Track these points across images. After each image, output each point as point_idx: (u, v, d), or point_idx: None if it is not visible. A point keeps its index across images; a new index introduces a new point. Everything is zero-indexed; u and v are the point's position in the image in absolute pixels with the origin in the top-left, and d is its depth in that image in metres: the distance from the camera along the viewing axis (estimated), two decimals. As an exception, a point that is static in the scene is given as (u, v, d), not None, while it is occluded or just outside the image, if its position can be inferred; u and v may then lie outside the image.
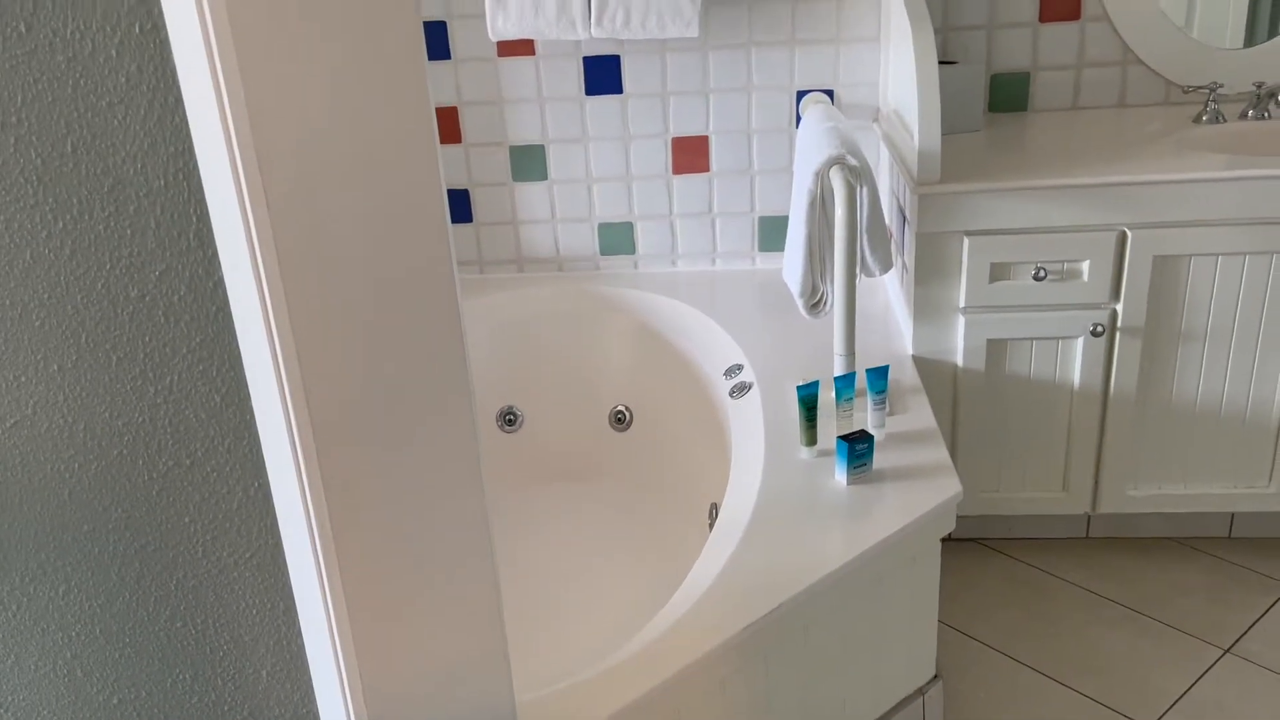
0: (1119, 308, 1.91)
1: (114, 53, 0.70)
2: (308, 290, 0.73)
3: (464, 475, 0.84)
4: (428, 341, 0.81)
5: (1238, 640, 1.90)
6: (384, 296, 0.77)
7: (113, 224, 0.75)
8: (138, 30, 0.70)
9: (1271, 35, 2.22)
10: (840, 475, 1.63)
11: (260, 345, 0.74)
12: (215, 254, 0.76)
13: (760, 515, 1.56)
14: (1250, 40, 2.23)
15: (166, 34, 0.70)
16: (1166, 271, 1.89)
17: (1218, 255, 1.86)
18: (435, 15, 2.30)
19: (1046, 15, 2.24)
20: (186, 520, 0.87)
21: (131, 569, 0.86)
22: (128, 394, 0.80)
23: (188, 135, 0.72)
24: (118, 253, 0.75)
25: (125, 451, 0.82)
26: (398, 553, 0.82)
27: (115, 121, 0.72)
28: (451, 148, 2.42)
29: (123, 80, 0.71)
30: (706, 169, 2.37)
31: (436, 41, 2.32)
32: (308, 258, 0.73)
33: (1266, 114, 2.12)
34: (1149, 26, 2.22)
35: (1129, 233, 1.86)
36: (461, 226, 2.49)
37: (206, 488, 0.85)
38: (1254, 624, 1.94)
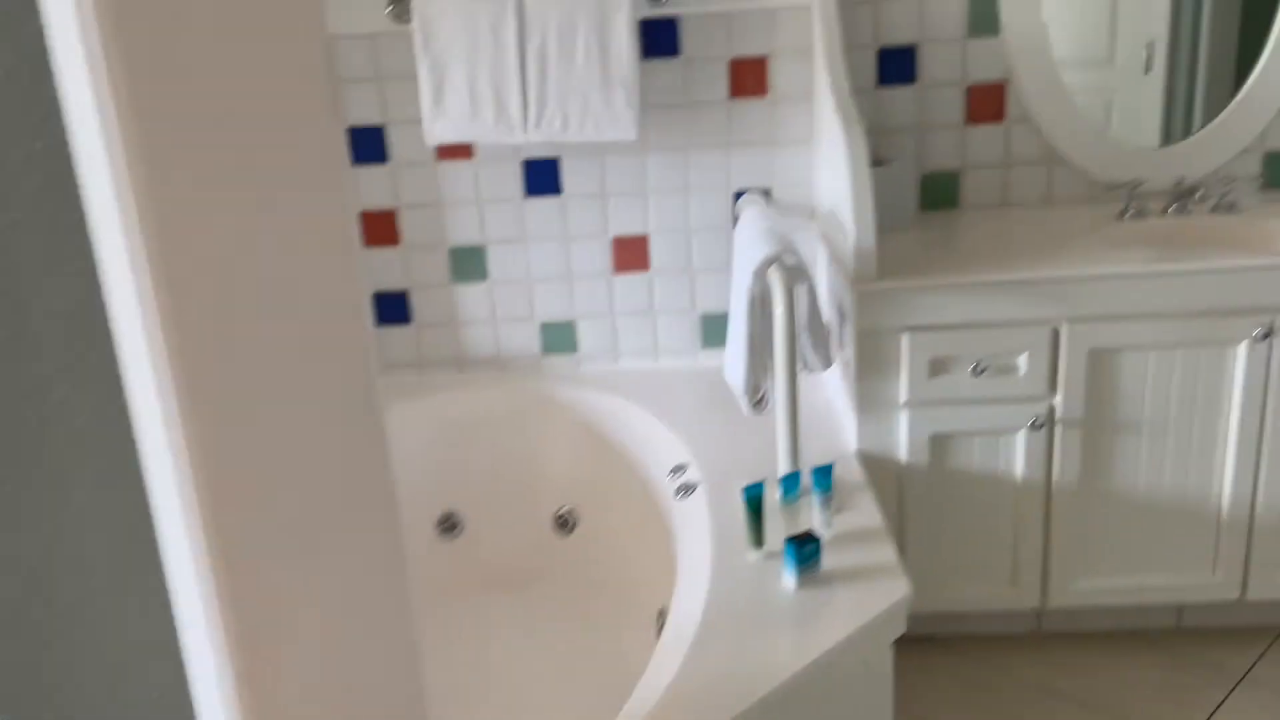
0: (1057, 401, 1.93)
1: (18, 169, 0.67)
2: (212, 403, 0.69)
3: (391, 605, 0.79)
4: (347, 460, 0.77)
5: (1193, 735, 1.87)
6: (297, 410, 0.74)
7: (12, 346, 0.71)
8: (39, 147, 0.67)
9: (1186, 135, 2.31)
10: (789, 578, 1.59)
11: (165, 467, 0.69)
12: (118, 370, 0.72)
13: (709, 622, 1.52)
14: (1166, 139, 2.32)
15: (70, 154, 0.67)
16: (1101, 365, 1.91)
17: (1150, 348, 1.90)
18: (373, 120, 2.30)
19: (973, 117, 2.31)
20: (87, 659, 0.80)
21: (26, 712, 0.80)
22: (21, 522, 0.74)
23: (88, 246, 0.69)
24: (18, 376, 0.71)
25: (21, 584, 0.76)
26: (315, 694, 0.77)
27: (17, 242, 0.68)
28: (389, 250, 2.40)
29: (28, 197, 0.68)
30: (647, 268, 2.38)
31: (374, 145, 2.32)
32: (212, 370, 0.69)
33: (1187, 210, 2.19)
34: (1070, 127, 2.30)
35: (1063, 327, 1.89)
36: (400, 328, 2.46)
37: (108, 623, 0.79)
38: (1209, 719, 1.92)
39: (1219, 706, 1.94)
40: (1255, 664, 2.04)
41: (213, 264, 0.69)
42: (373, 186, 2.35)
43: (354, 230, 0.77)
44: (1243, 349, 1.89)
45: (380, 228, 2.38)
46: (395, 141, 2.32)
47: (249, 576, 0.74)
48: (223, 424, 0.71)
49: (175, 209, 0.66)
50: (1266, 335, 1.86)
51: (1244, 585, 2.02)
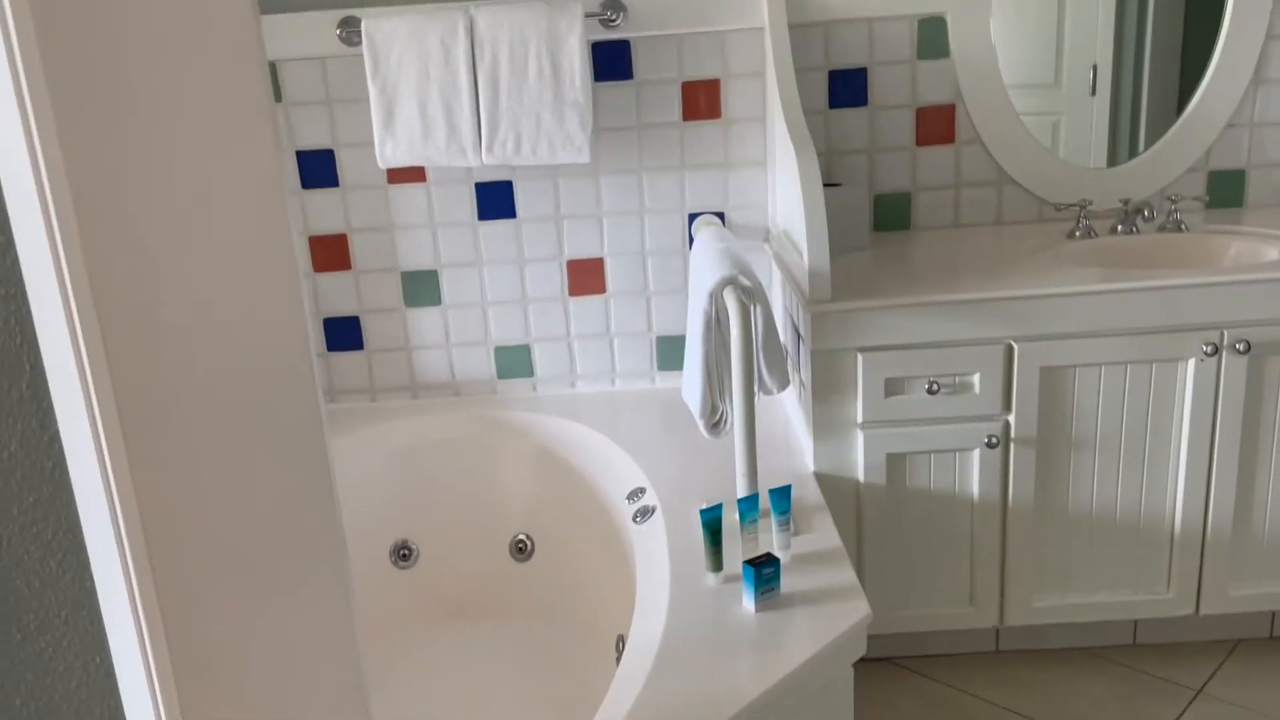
0: (1011, 419, 1.94)
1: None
2: (152, 444, 0.66)
3: (337, 644, 0.77)
4: (293, 493, 0.75)
5: (1152, 751, 1.88)
6: (240, 447, 0.71)
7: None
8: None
9: (1132, 156, 2.35)
10: (748, 602, 1.58)
11: (100, 505, 0.66)
12: (50, 407, 0.69)
13: (668, 648, 1.50)
14: (1113, 160, 2.35)
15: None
16: (1053, 382, 1.92)
17: (1101, 365, 1.91)
18: (323, 144, 2.27)
19: (923, 139, 2.33)
20: (18, 703, 0.77)
21: (-51, 765, 0.76)
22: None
23: (20, 280, 0.66)
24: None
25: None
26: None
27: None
28: (341, 274, 2.36)
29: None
30: (603, 290, 2.37)
31: (324, 169, 2.29)
32: (150, 408, 0.66)
33: (1134, 229, 2.23)
34: (1018, 149, 2.33)
35: (1015, 345, 1.90)
36: (352, 354, 2.42)
37: (40, 665, 0.76)
38: (1166, 733, 1.92)
39: (1176, 721, 1.95)
40: (1210, 679, 2.06)
41: (145, 292, 0.67)
42: (323, 210, 2.32)
43: (296, 251, 0.74)
44: (1191, 365, 1.91)
45: (331, 252, 2.35)
46: (346, 165, 2.29)
47: (190, 620, 0.71)
48: (158, 459, 0.68)
49: (105, 227, 0.64)
50: (1215, 351, 1.89)
51: (1197, 601, 2.04)
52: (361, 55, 2.21)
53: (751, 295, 1.73)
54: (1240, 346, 1.88)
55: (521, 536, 2.29)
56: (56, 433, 0.70)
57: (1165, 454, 1.96)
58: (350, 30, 2.15)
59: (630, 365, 2.42)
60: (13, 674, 0.76)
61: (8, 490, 0.71)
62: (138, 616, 0.68)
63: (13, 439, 0.70)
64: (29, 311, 0.67)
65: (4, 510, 0.72)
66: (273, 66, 2.23)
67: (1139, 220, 2.26)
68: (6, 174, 0.62)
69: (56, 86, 0.60)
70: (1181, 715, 1.97)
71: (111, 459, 0.64)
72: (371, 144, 2.27)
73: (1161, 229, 2.22)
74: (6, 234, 0.66)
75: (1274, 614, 2.16)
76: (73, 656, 0.75)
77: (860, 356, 1.90)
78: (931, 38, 2.27)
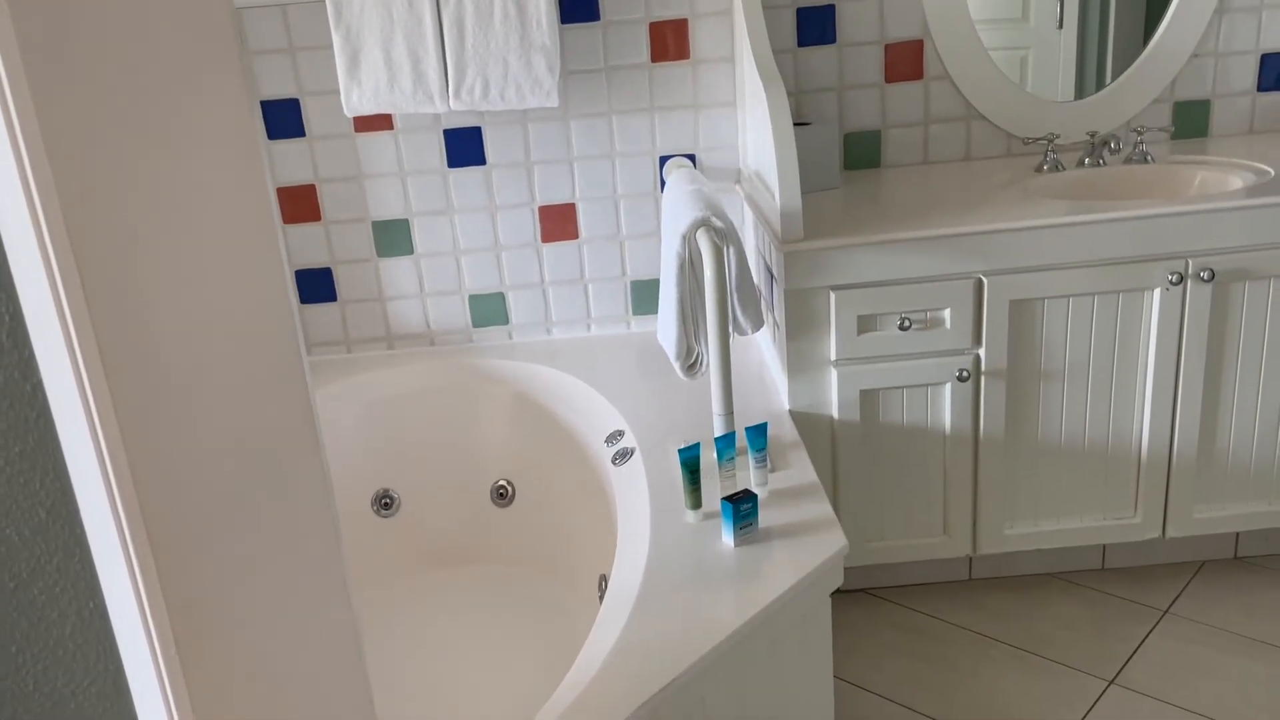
0: (981, 353, 1.97)
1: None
2: (135, 386, 0.67)
3: (327, 581, 0.78)
4: (278, 435, 0.75)
5: (1120, 670, 1.94)
6: (224, 389, 0.72)
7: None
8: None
9: (1099, 88, 2.36)
10: (727, 537, 1.61)
11: (86, 451, 0.67)
12: (32, 355, 0.69)
13: (650, 585, 1.53)
14: (1080, 93, 2.37)
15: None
16: (1022, 315, 1.95)
17: (1068, 297, 1.94)
18: (287, 93, 2.24)
19: (892, 76, 2.33)
20: (14, 650, 0.78)
21: (-52, 711, 0.77)
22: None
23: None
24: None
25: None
26: (253, 672, 0.75)
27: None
28: (311, 226, 2.35)
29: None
30: (575, 236, 2.36)
31: (290, 119, 2.26)
32: (133, 351, 0.67)
33: (1101, 161, 2.24)
34: (987, 84, 2.33)
35: (984, 279, 1.93)
36: (326, 306, 2.41)
37: (34, 613, 0.77)
38: (1133, 653, 1.99)
39: (1143, 641, 2.01)
40: (1176, 599, 2.13)
41: (125, 239, 0.67)
42: (290, 161, 2.30)
43: (273, 202, 0.75)
44: (1157, 294, 1.94)
45: (300, 203, 2.33)
46: (311, 114, 2.26)
47: (181, 562, 0.72)
48: (143, 405, 0.69)
49: (85, 185, 0.64)
50: (1180, 280, 1.92)
51: (1164, 524, 2.10)
52: (324, 2, 2.17)
53: (724, 236, 1.74)
54: (1205, 275, 1.91)
55: (502, 482, 2.31)
56: (40, 381, 0.70)
57: (1132, 382, 2.00)
58: (311, -24, 2.11)
59: (605, 310, 2.43)
60: (7, 621, 0.77)
61: (-7, 441, 0.72)
62: (129, 560, 0.69)
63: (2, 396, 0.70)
64: (5, 260, 0.67)
65: (-10, 461, 0.72)
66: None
67: (1105, 152, 2.28)
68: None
69: (24, 34, 0.60)
70: (1149, 634, 2.03)
71: (97, 406, 0.65)
72: (337, 92, 2.24)
73: (1128, 160, 2.24)
74: (-22, 183, 0.66)
75: (1238, 535, 2.23)
76: (66, 602, 0.77)
77: (833, 295, 1.92)
78: (899, -27, 2.26)
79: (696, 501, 1.67)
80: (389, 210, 2.34)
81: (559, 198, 2.33)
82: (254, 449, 0.75)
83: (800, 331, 1.96)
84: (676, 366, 1.85)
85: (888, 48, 2.31)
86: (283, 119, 2.26)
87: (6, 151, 0.61)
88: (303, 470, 0.77)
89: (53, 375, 0.67)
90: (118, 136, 0.65)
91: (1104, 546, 2.24)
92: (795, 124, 2.26)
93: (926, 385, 1.99)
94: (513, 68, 2.08)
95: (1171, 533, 2.10)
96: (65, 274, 0.62)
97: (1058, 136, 2.27)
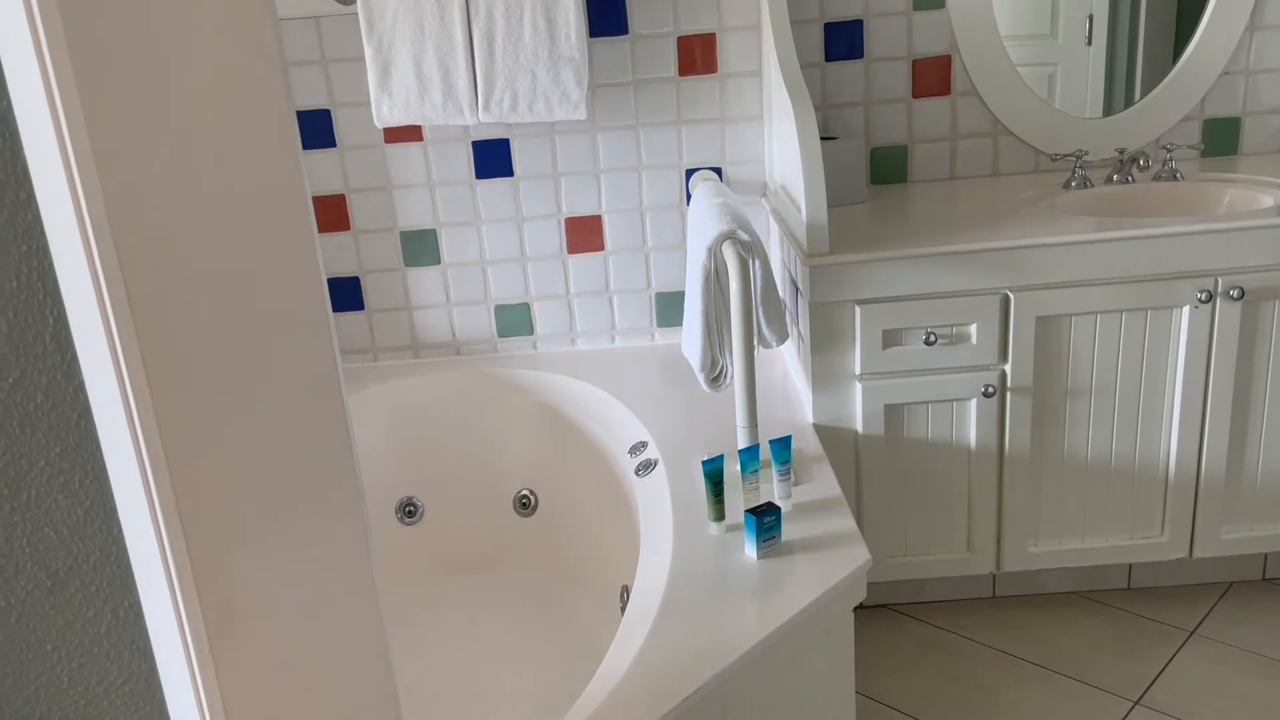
0: (1008, 368, 1.96)
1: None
2: (176, 393, 0.68)
3: (357, 584, 0.79)
4: (312, 440, 0.77)
5: (1146, 691, 1.93)
6: (261, 394, 0.73)
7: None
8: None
9: (1128, 105, 2.35)
10: (750, 550, 1.61)
11: (126, 452, 0.68)
12: (75, 358, 0.71)
13: (672, 596, 1.53)
14: (1109, 110, 2.36)
15: (16, 127, 0.66)
16: (1049, 331, 1.95)
17: (1096, 313, 1.93)
18: (319, 104, 2.27)
19: (919, 91, 2.33)
20: (49, 648, 0.79)
21: (-14, 707, 0.78)
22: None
23: (42, 234, 0.68)
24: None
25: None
26: (284, 676, 0.76)
27: (-41, 221, 0.67)
28: (340, 235, 2.37)
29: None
30: (601, 247, 2.38)
31: (321, 129, 2.29)
32: (174, 355, 0.68)
33: (1130, 178, 2.24)
34: (1015, 100, 2.33)
35: (1011, 295, 1.92)
36: (353, 314, 2.43)
37: (70, 611, 0.78)
38: (1159, 674, 1.97)
39: (1169, 662, 1.99)
40: (1203, 620, 2.10)
41: (167, 244, 0.68)
42: (320, 171, 2.32)
43: (310, 209, 0.76)
44: (1185, 312, 1.93)
45: (330, 212, 2.36)
46: (342, 125, 2.29)
47: (216, 563, 0.73)
48: (186, 411, 0.70)
49: (130, 192, 0.65)
50: (1209, 298, 1.91)
51: (1191, 544, 2.08)
52: (356, 14, 2.20)
53: (750, 249, 1.74)
54: (1234, 293, 1.90)
55: (525, 492, 2.32)
56: (81, 383, 0.72)
57: (1159, 400, 1.99)
58: (344, -12, 2.14)
59: (630, 322, 2.44)
60: (44, 619, 0.78)
61: (35, 441, 0.73)
62: (165, 560, 0.70)
63: (38, 391, 0.72)
64: (51, 265, 0.69)
65: (32, 461, 0.74)
66: (267, 26, 2.22)
67: (1134, 169, 2.27)
68: (27, 128, 0.63)
69: (75, 41, 0.62)
70: (1175, 655, 2.01)
71: (138, 408, 0.66)
72: (368, 103, 2.27)
73: (1157, 178, 2.23)
74: (27, 189, 0.67)
75: (1266, 556, 2.20)
76: (102, 601, 0.78)
77: (858, 309, 1.92)
78: (927, -12, 2.27)
79: (720, 514, 1.67)
80: (417, 220, 2.36)
81: (585, 209, 2.35)
82: (289, 451, 0.76)
83: (825, 345, 1.96)
84: (701, 378, 1.85)
85: (915, 63, 2.31)
86: (314, 129, 2.29)
87: (55, 160, 0.62)
88: (336, 473, 0.78)
89: (95, 378, 0.68)
90: (163, 145, 0.67)
91: (1130, 566, 2.22)
92: (822, 138, 2.27)
93: (952, 400, 1.99)
94: (541, 80, 2.10)
95: (1199, 553, 2.08)
96: (109, 279, 0.64)
97: (1086, 153, 2.26)
